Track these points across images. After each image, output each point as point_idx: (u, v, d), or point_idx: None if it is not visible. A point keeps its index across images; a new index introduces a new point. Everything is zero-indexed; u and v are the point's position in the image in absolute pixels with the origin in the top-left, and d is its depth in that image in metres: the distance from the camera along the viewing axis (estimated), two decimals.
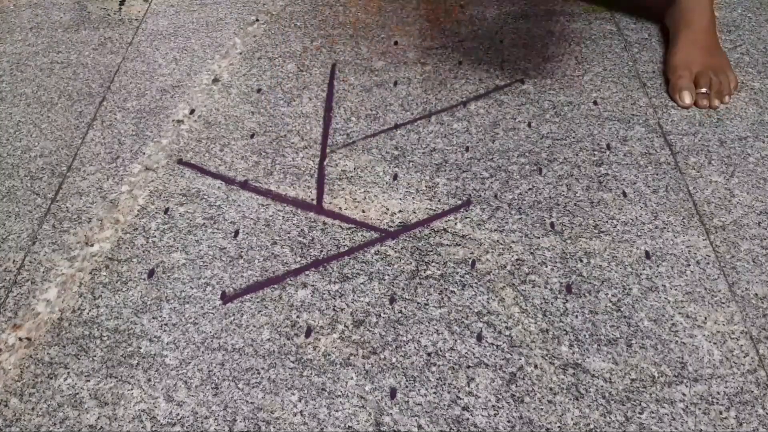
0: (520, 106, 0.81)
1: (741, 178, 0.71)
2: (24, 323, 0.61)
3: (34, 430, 0.53)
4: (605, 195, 0.70)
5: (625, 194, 0.70)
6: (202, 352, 0.58)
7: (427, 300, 0.61)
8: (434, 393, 0.54)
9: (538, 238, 0.66)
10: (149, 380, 0.56)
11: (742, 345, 0.56)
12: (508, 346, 0.57)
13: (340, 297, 0.61)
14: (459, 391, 0.54)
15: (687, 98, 0.78)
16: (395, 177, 0.73)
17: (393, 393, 0.54)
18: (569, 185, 0.71)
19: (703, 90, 0.79)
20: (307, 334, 0.58)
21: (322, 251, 0.65)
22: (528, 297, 0.61)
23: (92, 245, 0.67)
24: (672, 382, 0.54)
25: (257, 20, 0.99)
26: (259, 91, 0.85)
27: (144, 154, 0.77)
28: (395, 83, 0.86)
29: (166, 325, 0.60)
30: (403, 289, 0.62)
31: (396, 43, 0.93)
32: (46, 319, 0.61)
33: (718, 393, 0.53)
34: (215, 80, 0.88)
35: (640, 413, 0.52)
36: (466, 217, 0.68)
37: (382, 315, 0.60)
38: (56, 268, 0.65)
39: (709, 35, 0.82)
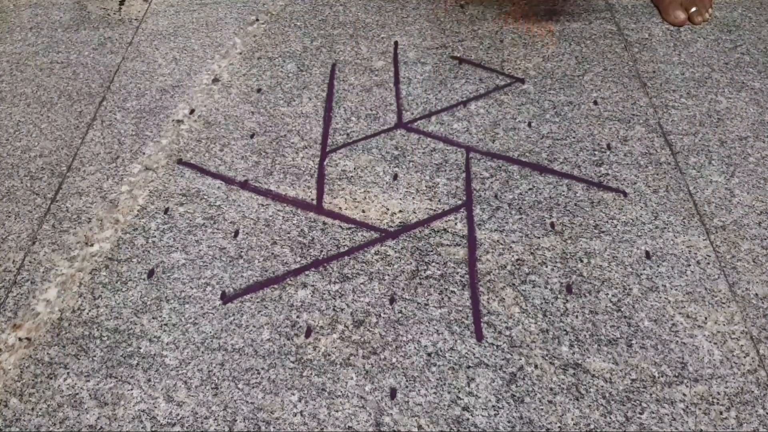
0: (520, 106, 0.81)
1: (741, 178, 0.71)
2: (24, 323, 0.61)
3: (34, 430, 0.53)
4: (605, 195, 0.70)
5: (625, 194, 0.70)
6: (202, 352, 0.58)
7: (427, 300, 0.61)
8: (434, 393, 0.54)
9: (538, 238, 0.66)
10: (149, 380, 0.56)
11: (742, 345, 0.56)
12: (508, 346, 0.57)
13: (340, 297, 0.61)
14: (459, 391, 0.54)
15: (681, 15, 0.94)
16: (395, 177, 0.73)
17: (393, 393, 0.54)
18: (569, 185, 0.71)
19: (694, 9, 0.94)
20: (307, 334, 0.58)
21: (322, 251, 0.65)
22: (528, 297, 0.61)
23: (92, 245, 0.67)
24: (672, 382, 0.54)
25: (257, 20, 0.99)
26: (259, 91, 0.85)
27: (144, 154, 0.77)
28: (395, 83, 0.85)
29: (166, 325, 0.60)
30: (403, 289, 0.62)
31: (396, 43, 0.93)
32: (46, 319, 0.61)
33: (719, 393, 0.53)
34: (215, 80, 0.88)
35: (640, 413, 0.52)
36: (466, 217, 0.68)
37: (382, 315, 0.60)
38: (56, 268, 0.65)
39: None
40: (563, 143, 0.76)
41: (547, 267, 0.63)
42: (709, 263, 0.63)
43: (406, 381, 0.55)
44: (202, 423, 0.53)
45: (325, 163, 0.75)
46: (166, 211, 0.70)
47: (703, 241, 0.65)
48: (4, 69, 0.92)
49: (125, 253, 0.66)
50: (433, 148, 0.76)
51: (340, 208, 0.70)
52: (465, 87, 0.84)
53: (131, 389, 0.55)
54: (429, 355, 0.57)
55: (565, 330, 0.58)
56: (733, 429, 0.51)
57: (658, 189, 0.70)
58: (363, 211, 0.69)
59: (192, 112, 0.83)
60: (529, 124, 0.78)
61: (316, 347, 0.57)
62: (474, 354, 0.56)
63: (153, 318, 0.60)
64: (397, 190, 0.71)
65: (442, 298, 0.61)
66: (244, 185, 0.73)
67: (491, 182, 0.71)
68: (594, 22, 0.95)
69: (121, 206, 0.71)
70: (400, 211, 0.69)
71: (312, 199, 0.71)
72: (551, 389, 0.54)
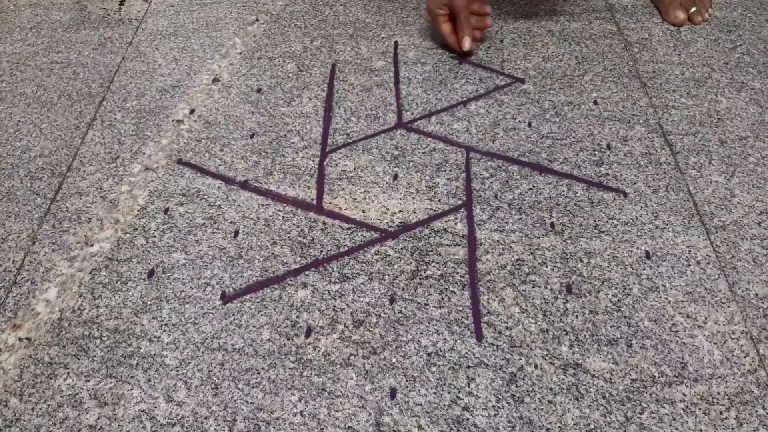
0: (520, 106, 0.81)
1: (741, 178, 0.71)
2: (24, 323, 0.61)
3: (34, 430, 0.53)
4: (605, 195, 0.70)
5: (625, 194, 0.70)
6: (202, 352, 0.58)
7: (427, 300, 0.61)
8: (434, 393, 0.54)
9: (538, 238, 0.66)
10: (149, 380, 0.56)
11: (742, 345, 0.56)
12: (508, 346, 0.57)
13: (340, 297, 0.61)
14: (459, 391, 0.54)
15: (681, 15, 0.93)
16: (395, 177, 0.73)
17: (393, 393, 0.54)
18: (569, 185, 0.71)
19: (694, 9, 0.94)
20: (307, 334, 0.58)
21: (322, 251, 0.65)
22: (528, 297, 0.61)
23: (92, 245, 0.67)
24: (672, 382, 0.54)
25: (257, 20, 0.99)
26: (259, 91, 0.85)
27: (144, 154, 0.77)
28: (395, 83, 0.85)
29: (166, 325, 0.60)
30: (403, 289, 0.62)
31: (396, 43, 0.93)
32: (46, 319, 0.61)
33: (719, 393, 0.53)
34: (215, 80, 0.88)
35: (640, 413, 0.52)
36: (466, 217, 0.68)
37: (382, 315, 0.60)
38: (56, 268, 0.65)
39: None
40: (563, 143, 0.76)
41: (547, 267, 0.63)
42: (709, 263, 0.63)
43: (406, 381, 0.55)
44: (202, 423, 0.53)
45: (325, 163, 0.75)
46: (166, 211, 0.70)
47: (703, 241, 0.65)
48: (4, 69, 0.92)
49: (125, 253, 0.66)
50: (433, 148, 0.76)
51: (340, 208, 0.70)
52: (465, 87, 0.84)
53: (131, 389, 0.55)
54: (429, 355, 0.57)
55: (565, 330, 0.58)
56: (733, 429, 0.51)
57: (658, 189, 0.70)
58: (363, 211, 0.69)
59: (192, 112, 0.83)
60: (529, 124, 0.79)
61: (316, 347, 0.57)
62: (474, 354, 0.56)
63: (153, 318, 0.60)
64: (397, 190, 0.71)
65: (442, 298, 0.61)
66: (244, 185, 0.73)
67: (491, 182, 0.71)
68: (594, 22, 0.95)
69: (121, 206, 0.71)
70: (400, 211, 0.69)
71: (312, 199, 0.71)
72: (551, 389, 0.54)
